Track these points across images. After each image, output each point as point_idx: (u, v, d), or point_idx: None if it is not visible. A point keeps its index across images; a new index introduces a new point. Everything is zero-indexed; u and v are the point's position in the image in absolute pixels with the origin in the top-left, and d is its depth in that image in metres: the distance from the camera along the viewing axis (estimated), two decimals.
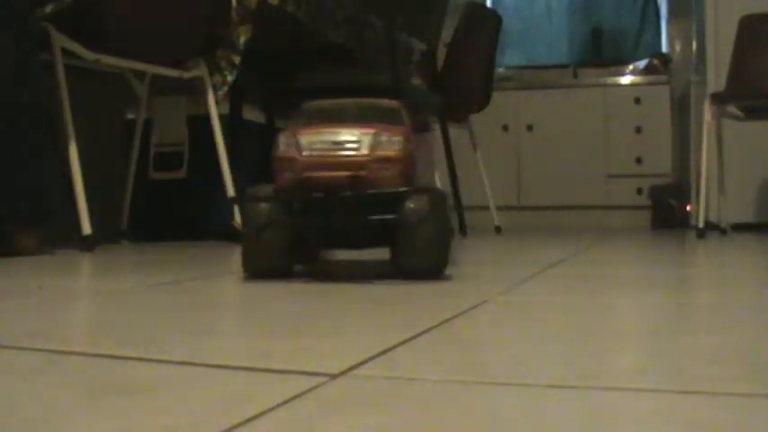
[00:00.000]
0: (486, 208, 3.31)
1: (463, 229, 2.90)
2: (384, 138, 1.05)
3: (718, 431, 0.35)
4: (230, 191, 2.11)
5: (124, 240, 2.23)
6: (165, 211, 2.38)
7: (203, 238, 2.27)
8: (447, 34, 3.10)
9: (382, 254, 1.33)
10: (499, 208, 3.45)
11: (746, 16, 2.86)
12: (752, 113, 2.86)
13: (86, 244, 1.73)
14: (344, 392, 0.43)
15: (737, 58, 2.81)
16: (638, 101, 4.21)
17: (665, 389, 0.44)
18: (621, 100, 4.25)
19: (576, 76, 4.54)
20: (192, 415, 0.38)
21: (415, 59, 2.89)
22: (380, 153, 1.05)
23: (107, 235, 2.12)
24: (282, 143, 1.07)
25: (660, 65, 4.31)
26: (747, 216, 3.46)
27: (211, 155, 2.12)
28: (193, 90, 2.19)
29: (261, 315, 0.76)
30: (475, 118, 3.26)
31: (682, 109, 4.16)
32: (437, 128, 2.97)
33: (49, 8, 1.79)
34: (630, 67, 4.51)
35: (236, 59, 2.11)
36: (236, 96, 2.33)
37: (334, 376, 0.47)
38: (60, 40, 1.76)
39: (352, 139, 1.05)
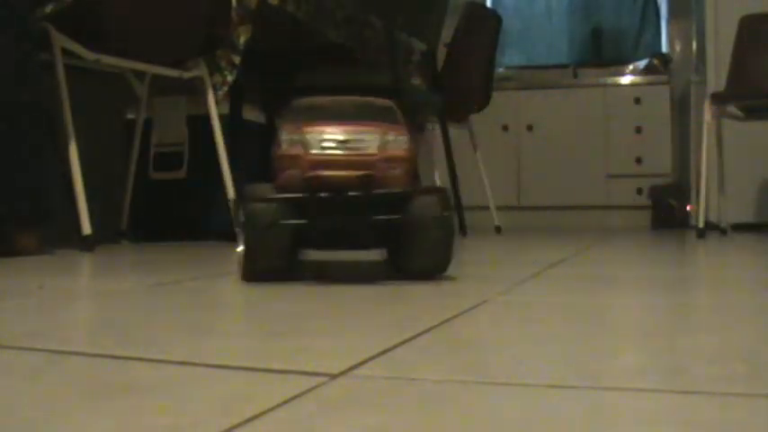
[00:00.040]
0: (486, 208, 3.31)
1: (463, 229, 2.90)
2: (392, 137, 1.03)
3: (718, 431, 0.35)
4: (230, 191, 2.11)
5: (124, 240, 2.23)
6: (165, 211, 2.38)
7: (203, 238, 2.27)
8: (447, 34, 3.10)
9: (371, 254, 1.32)
10: (499, 208, 3.45)
11: (746, 16, 2.86)
12: (752, 113, 2.86)
13: (86, 244, 1.73)
14: (344, 392, 0.43)
15: (737, 58, 2.81)
16: (638, 101, 4.21)
17: (665, 389, 0.44)
18: (621, 100, 4.25)
19: (575, 76, 4.54)
20: (192, 415, 0.38)
21: (415, 59, 2.89)
22: (389, 152, 1.03)
23: (107, 235, 2.12)
24: (285, 140, 1.03)
25: (660, 65, 4.31)
26: (747, 216, 3.46)
27: (211, 155, 2.12)
28: (193, 90, 2.19)
29: (261, 315, 0.76)
30: (475, 118, 3.26)
31: (682, 109, 4.16)
32: (437, 128, 2.97)
33: (49, 8, 1.79)
34: (630, 67, 4.51)
35: (236, 59, 2.11)
36: (236, 96, 2.33)
37: (334, 376, 0.47)
38: (60, 40, 1.76)
39: (361, 138, 1.02)
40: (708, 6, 3.52)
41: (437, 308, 0.79)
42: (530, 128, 4.34)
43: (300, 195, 1.02)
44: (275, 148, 1.04)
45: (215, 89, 2.12)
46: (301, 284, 1.02)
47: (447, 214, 1.05)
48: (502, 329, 0.66)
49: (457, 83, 3.02)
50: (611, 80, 4.30)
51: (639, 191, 4.19)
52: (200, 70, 2.10)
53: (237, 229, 1.09)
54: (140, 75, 2.21)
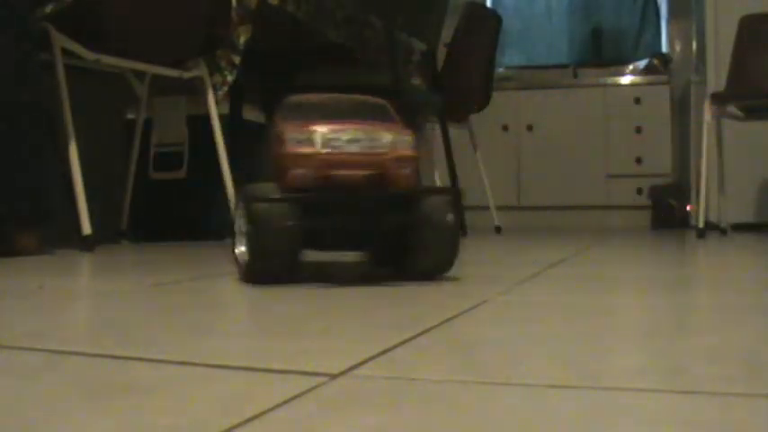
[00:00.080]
0: (486, 208, 3.31)
1: (463, 229, 2.90)
2: (400, 136, 1.02)
3: (717, 431, 0.35)
4: (230, 191, 2.11)
5: (124, 240, 2.23)
6: (165, 211, 2.38)
7: (203, 238, 2.27)
8: (447, 34, 3.10)
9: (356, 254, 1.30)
10: (499, 208, 3.45)
11: (746, 16, 2.86)
12: (752, 113, 2.86)
13: (86, 244, 1.73)
14: (344, 392, 0.43)
15: (737, 58, 2.81)
16: (638, 101, 4.21)
17: (665, 389, 0.44)
18: (621, 100, 4.25)
19: (576, 76, 4.54)
20: (192, 415, 0.38)
21: (415, 59, 2.89)
22: (400, 152, 1.01)
23: (107, 235, 2.12)
24: (292, 138, 0.98)
25: (660, 65, 4.31)
26: (747, 216, 3.46)
27: (211, 155, 2.12)
28: (193, 90, 2.19)
29: (261, 315, 0.76)
30: (475, 118, 3.26)
31: (682, 109, 4.16)
32: (437, 128, 2.97)
33: (49, 8, 1.79)
34: (630, 67, 4.51)
35: (236, 59, 2.11)
36: (236, 96, 2.33)
37: (334, 376, 0.47)
38: (60, 40, 1.76)
39: (373, 137, 1.00)
40: (708, 6, 3.52)
41: (437, 308, 0.79)
42: (530, 128, 4.34)
43: (315, 195, 0.98)
44: (278, 146, 1.00)
45: (215, 89, 2.12)
46: (301, 285, 1.02)
47: (458, 213, 1.04)
48: (502, 329, 0.66)
49: (457, 83, 3.03)
50: (611, 80, 4.31)
51: (639, 191, 4.20)
52: (200, 70, 2.10)
53: (236, 230, 1.06)
54: (140, 75, 2.21)
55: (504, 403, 0.41)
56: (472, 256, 1.65)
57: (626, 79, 4.30)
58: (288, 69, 2.44)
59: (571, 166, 4.27)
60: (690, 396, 0.43)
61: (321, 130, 0.99)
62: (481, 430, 0.36)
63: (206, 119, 2.11)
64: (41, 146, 1.71)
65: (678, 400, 0.42)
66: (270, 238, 0.97)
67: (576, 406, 0.40)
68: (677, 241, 2.47)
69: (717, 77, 3.35)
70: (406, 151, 1.02)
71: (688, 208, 3.94)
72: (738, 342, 0.59)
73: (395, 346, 0.57)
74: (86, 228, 1.73)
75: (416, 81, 2.88)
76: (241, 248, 1.04)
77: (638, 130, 4.21)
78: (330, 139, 0.99)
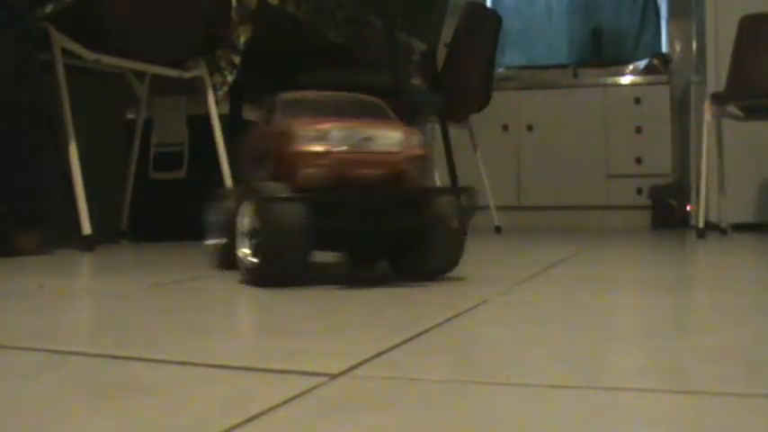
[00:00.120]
0: (486, 208, 3.31)
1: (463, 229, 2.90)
2: (410, 136, 1.01)
3: (717, 431, 0.35)
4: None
5: (124, 240, 2.23)
6: (165, 211, 2.38)
7: (203, 238, 2.26)
8: (447, 34, 3.10)
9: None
10: (499, 208, 3.45)
11: (746, 16, 2.86)
12: (752, 113, 2.86)
13: (86, 244, 1.73)
14: (344, 392, 0.43)
15: (737, 58, 2.81)
16: (638, 101, 4.21)
17: (665, 389, 0.44)
18: (621, 100, 4.25)
19: (576, 76, 4.54)
20: (192, 415, 0.38)
21: (415, 59, 2.89)
22: (412, 151, 1.00)
23: (107, 235, 2.12)
24: (301, 137, 0.95)
25: (660, 65, 4.31)
26: (747, 216, 3.46)
27: (211, 155, 2.12)
28: (193, 90, 2.19)
29: (261, 315, 0.76)
30: (475, 118, 3.26)
31: (682, 109, 4.16)
32: (437, 128, 2.97)
33: (49, 8, 1.79)
34: (630, 67, 4.51)
35: (236, 59, 2.11)
36: (236, 96, 2.33)
37: (334, 376, 0.47)
38: (60, 40, 1.76)
39: (386, 135, 0.98)
40: (708, 6, 3.52)
41: (437, 308, 0.79)
42: (530, 128, 4.34)
43: (330, 195, 0.95)
44: (285, 143, 0.96)
45: (215, 89, 2.12)
46: (301, 285, 1.02)
47: (467, 213, 1.04)
48: (502, 329, 0.66)
49: (457, 83, 3.03)
50: (611, 80, 4.30)
51: (639, 191, 4.19)
52: (200, 70, 2.10)
53: (211, 222, 1.03)
54: (140, 75, 2.21)
55: (504, 403, 0.41)
56: (472, 257, 1.65)
57: (626, 79, 4.30)
58: (288, 69, 2.44)
59: (571, 166, 4.27)
60: (690, 396, 0.43)
61: (336, 127, 0.96)
62: (481, 430, 0.36)
63: (206, 119, 2.11)
64: (41, 146, 1.71)
65: (678, 400, 0.42)
66: (285, 239, 0.93)
67: (576, 406, 0.40)
68: (677, 241, 2.47)
69: (717, 77, 3.35)
70: (417, 150, 1.01)
71: (688, 208, 3.94)
72: (738, 342, 0.59)
73: (395, 347, 0.57)
74: (86, 228, 1.73)
75: (416, 81, 2.88)
76: (244, 250, 1.01)
77: (638, 130, 4.20)
78: (345, 137, 0.96)
